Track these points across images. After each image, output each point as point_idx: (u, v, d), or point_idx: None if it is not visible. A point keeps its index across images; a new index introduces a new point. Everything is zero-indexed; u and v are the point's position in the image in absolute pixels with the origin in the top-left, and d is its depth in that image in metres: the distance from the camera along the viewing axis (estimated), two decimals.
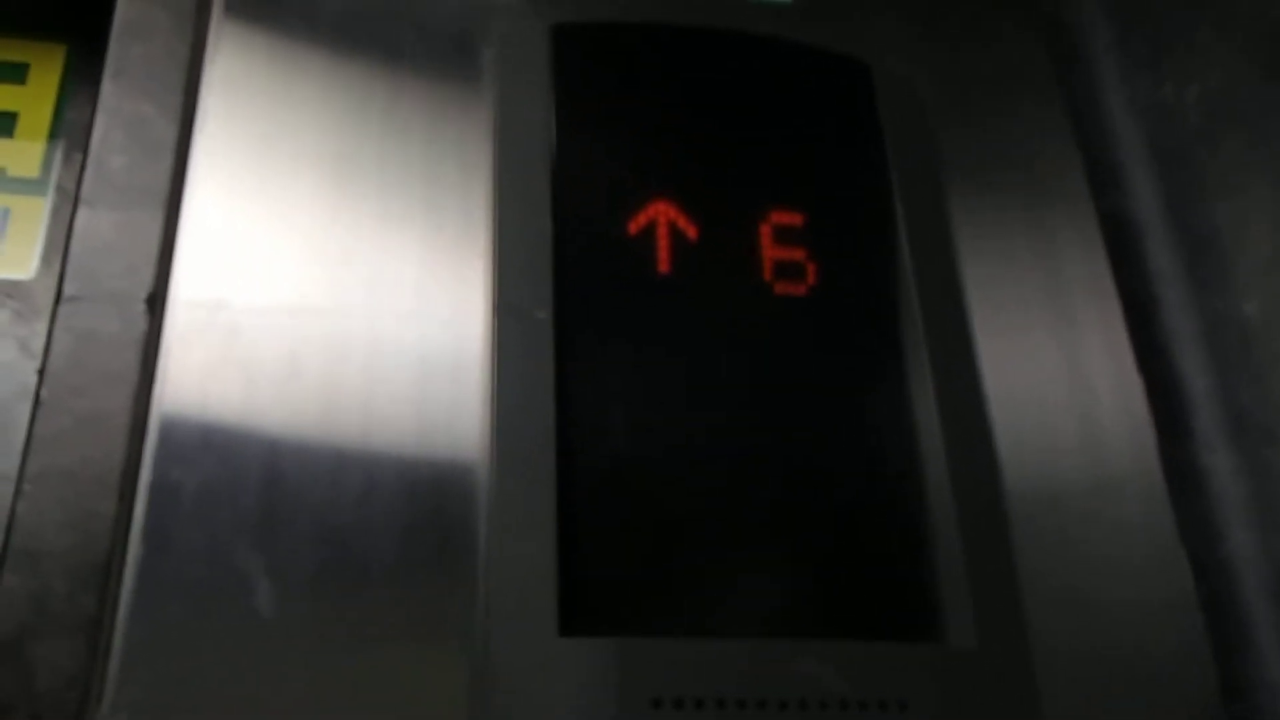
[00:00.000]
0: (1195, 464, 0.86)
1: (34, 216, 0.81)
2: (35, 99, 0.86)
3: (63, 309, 0.64)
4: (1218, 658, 0.77)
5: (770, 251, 0.81)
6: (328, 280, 0.72)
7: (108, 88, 0.71)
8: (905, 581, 0.74)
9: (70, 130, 0.85)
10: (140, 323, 0.66)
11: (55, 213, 0.81)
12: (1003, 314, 0.86)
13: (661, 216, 0.80)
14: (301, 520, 0.64)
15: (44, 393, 0.63)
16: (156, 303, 0.66)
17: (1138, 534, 0.80)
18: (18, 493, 0.61)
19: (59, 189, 0.81)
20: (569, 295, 0.74)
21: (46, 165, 0.84)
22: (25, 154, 0.83)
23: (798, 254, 0.82)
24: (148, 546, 0.61)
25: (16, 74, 0.87)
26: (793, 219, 0.83)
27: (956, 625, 0.72)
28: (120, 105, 0.71)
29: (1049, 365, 0.85)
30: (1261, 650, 0.79)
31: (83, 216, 0.68)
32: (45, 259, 0.78)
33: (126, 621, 0.59)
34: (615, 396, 0.73)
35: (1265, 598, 0.80)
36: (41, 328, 0.68)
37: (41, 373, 0.64)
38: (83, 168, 0.68)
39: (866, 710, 0.66)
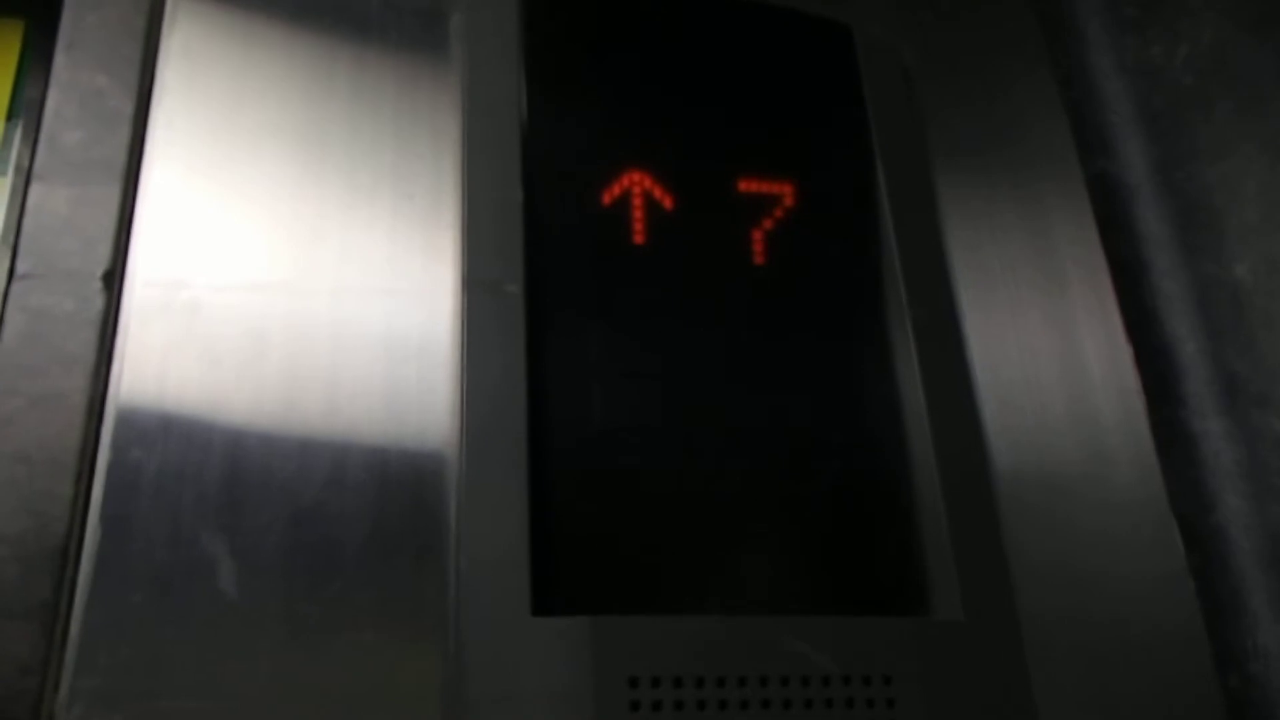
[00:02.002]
0: (1186, 430, 0.84)
1: None
2: None
3: (15, 287, 0.62)
4: (1210, 626, 0.75)
5: (749, 221, 0.79)
6: (293, 256, 0.70)
7: (60, 60, 0.68)
8: (890, 555, 0.72)
9: (29, 109, 0.82)
10: (97, 301, 0.64)
11: (14, 193, 0.78)
12: (989, 281, 0.84)
13: (636, 187, 0.78)
14: (268, 501, 0.63)
15: None
16: (114, 280, 0.64)
17: (1128, 502, 0.78)
18: None
19: (18, 169, 0.79)
20: (541, 268, 0.72)
21: (5, 144, 0.82)
22: None
23: (777, 223, 0.80)
24: (106, 530, 0.59)
25: None
26: (772, 188, 0.81)
27: (943, 598, 0.70)
28: (74, 78, 0.69)
29: (1037, 332, 0.83)
30: (1255, 617, 0.77)
31: (36, 192, 0.65)
32: (4, 239, 0.76)
33: (84, 607, 0.57)
34: (589, 371, 0.71)
35: (1258, 564, 0.78)
36: None
37: None
38: (35, 142, 0.66)
39: (850, 685, 0.64)
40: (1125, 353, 0.84)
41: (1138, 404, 0.82)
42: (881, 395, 0.77)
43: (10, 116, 0.83)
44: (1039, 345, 0.83)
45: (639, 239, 0.76)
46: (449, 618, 0.61)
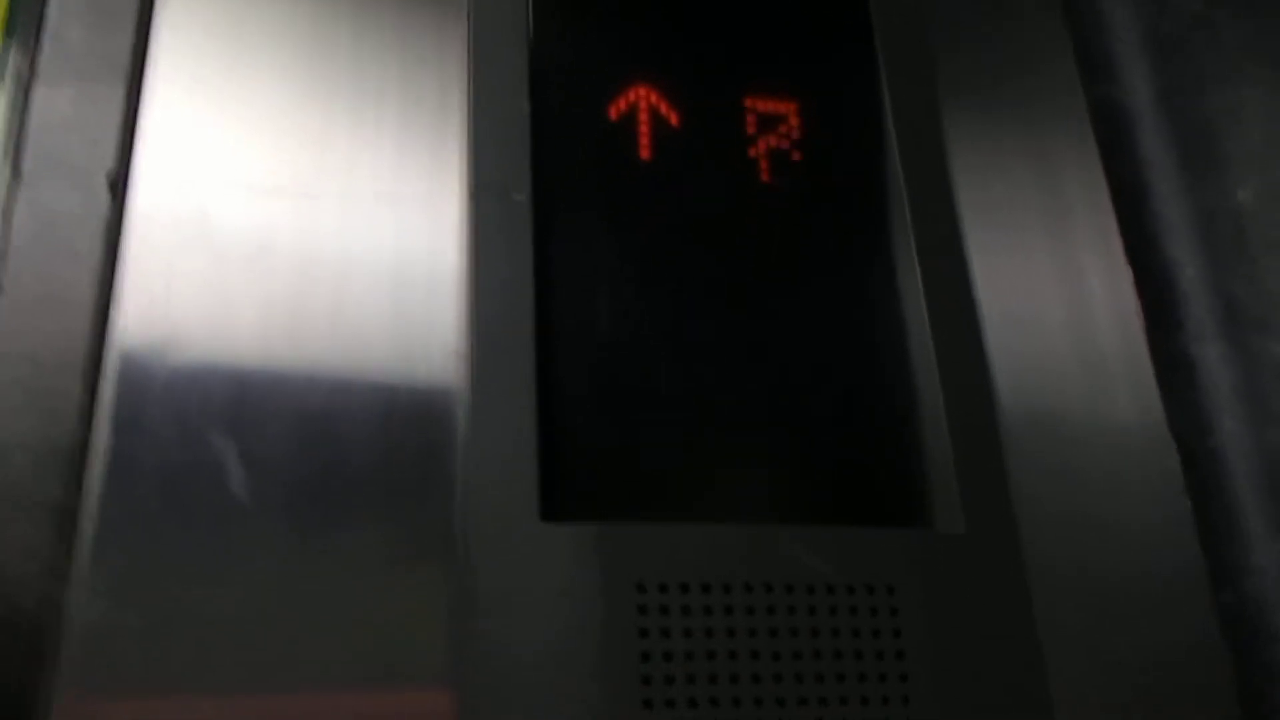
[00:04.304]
0: (1185, 354, 0.85)
1: None
2: None
3: (19, 185, 0.61)
4: (1206, 545, 0.76)
5: (755, 137, 0.79)
6: (300, 161, 0.69)
7: None
8: (893, 467, 0.73)
9: (27, 14, 0.81)
10: (102, 200, 0.63)
11: (14, 105, 0.77)
12: (992, 202, 0.84)
13: (642, 101, 0.77)
14: (275, 406, 0.63)
15: (3, 274, 0.60)
16: (119, 181, 0.64)
17: (1126, 423, 0.79)
18: None
19: (16, 79, 0.78)
20: (548, 179, 0.72)
21: (3, 52, 0.81)
22: None
23: (783, 140, 0.80)
24: (115, 429, 0.59)
25: None
26: (778, 106, 0.81)
27: (945, 512, 0.71)
28: None
29: (1039, 255, 0.83)
30: (1250, 536, 0.78)
31: (39, 92, 0.64)
32: (4, 150, 0.75)
33: (94, 503, 0.57)
34: (596, 280, 0.71)
35: (1253, 486, 0.79)
36: None
37: (1, 254, 0.61)
38: (37, 41, 0.65)
39: (854, 594, 0.65)
40: (1125, 277, 0.84)
41: (1137, 327, 0.82)
42: (886, 312, 0.77)
43: (9, 22, 0.81)
44: (1041, 268, 0.83)
45: (645, 154, 0.76)
46: (456, 523, 0.62)
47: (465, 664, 0.59)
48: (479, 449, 0.63)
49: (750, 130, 0.79)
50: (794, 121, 0.80)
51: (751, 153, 0.79)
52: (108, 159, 0.64)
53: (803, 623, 0.64)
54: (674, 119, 0.78)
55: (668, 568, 0.63)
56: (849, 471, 0.72)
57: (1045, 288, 0.82)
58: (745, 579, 0.64)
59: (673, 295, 0.73)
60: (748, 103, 0.80)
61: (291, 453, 0.62)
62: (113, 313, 0.62)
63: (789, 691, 0.62)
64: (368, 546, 0.61)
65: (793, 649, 0.63)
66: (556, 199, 0.72)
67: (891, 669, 0.64)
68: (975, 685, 0.66)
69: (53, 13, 0.66)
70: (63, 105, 0.64)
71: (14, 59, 0.79)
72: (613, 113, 0.77)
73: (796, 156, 0.80)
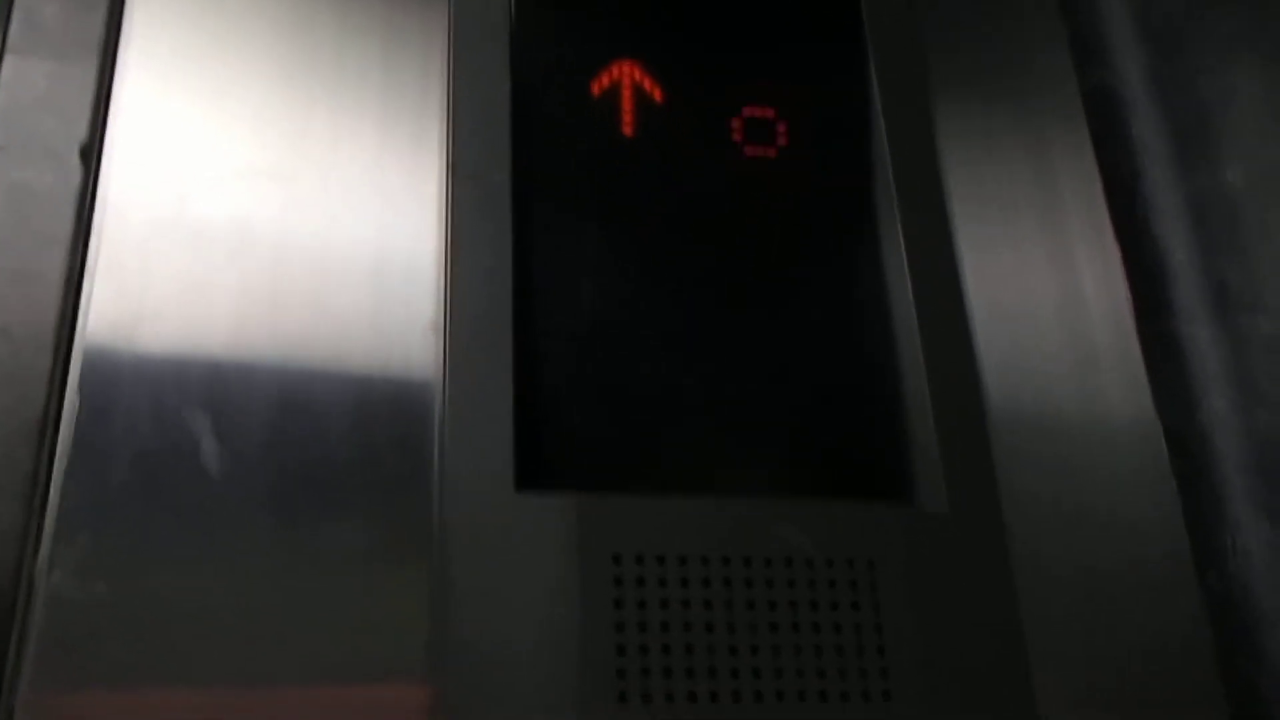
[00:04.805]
0: (1174, 335, 0.84)
1: None
2: None
3: None
4: (1191, 527, 0.76)
5: (741, 114, 0.79)
6: (280, 143, 0.68)
7: None
8: (876, 444, 0.72)
9: None
10: (75, 176, 0.62)
11: None
12: (982, 185, 0.83)
13: (625, 78, 0.77)
14: (252, 382, 0.62)
15: None
16: (91, 157, 0.63)
17: (1113, 405, 0.78)
18: None
19: None
20: (529, 157, 0.72)
21: None
22: None
23: (769, 117, 0.79)
24: (86, 405, 0.58)
25: None
26: (764, 83, 0.80)
27: (927, 488, 0.70)
28: None
29: (1029, 238, 0.83)
30: (1236, 518, 0.78)
31: (12, 67, 0.64)
32: None
33: (64, 477, 0.56)
34: (577, 256, 0.71)
35: (1239, 467, 0.79)
36: None
37: None
38: (9, 16, 0.65)
39: (833, 568, 0.65)
40: (1116, 264, 0.84)
41: (1128, 316, 0.82)
42: (872, 292, 0.76)
43: None
44: (1031, 251, 0.82)
45: (628, 131, 0.75)
46: (433, 494, 0.61)
47: (442, 643, 0.58)
48: (455, 420, 0.62)
49: (735, 107, 0.79)
50: (780, 101, 0.80)
51: (736, 130, 0.78)
52: (81, 136, 0.63)
53: (781, 596, 0.63)
54: (658, 95, 0.77)
55: (645, 539, 0.62)
56: (830, 447, 0.72)
57: (1035, 275, 0.81)
58: (723, 552, 0.63)
59: (654, 272, 0.73)
60: (733, 79, 0.80)
61: (267, 440, 0.61)
62: (85, 291, 0.61)
63: (765, 664, 0.62)
64: (345, 536, 0.60)
65: (770, 622, 0.63)
66: (538, 177, 0.72)
67: (870, 643, 0.64)
68: (954, 662, 0.65)
69: None
70: (36, 81, 0.64)
71: None
72: (595, 89, 0.76)
73: (782, 135, 0.79)
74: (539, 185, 0.71)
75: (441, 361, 0.64)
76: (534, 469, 0.62)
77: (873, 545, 0.66)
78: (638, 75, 0.77)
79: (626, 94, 0.76)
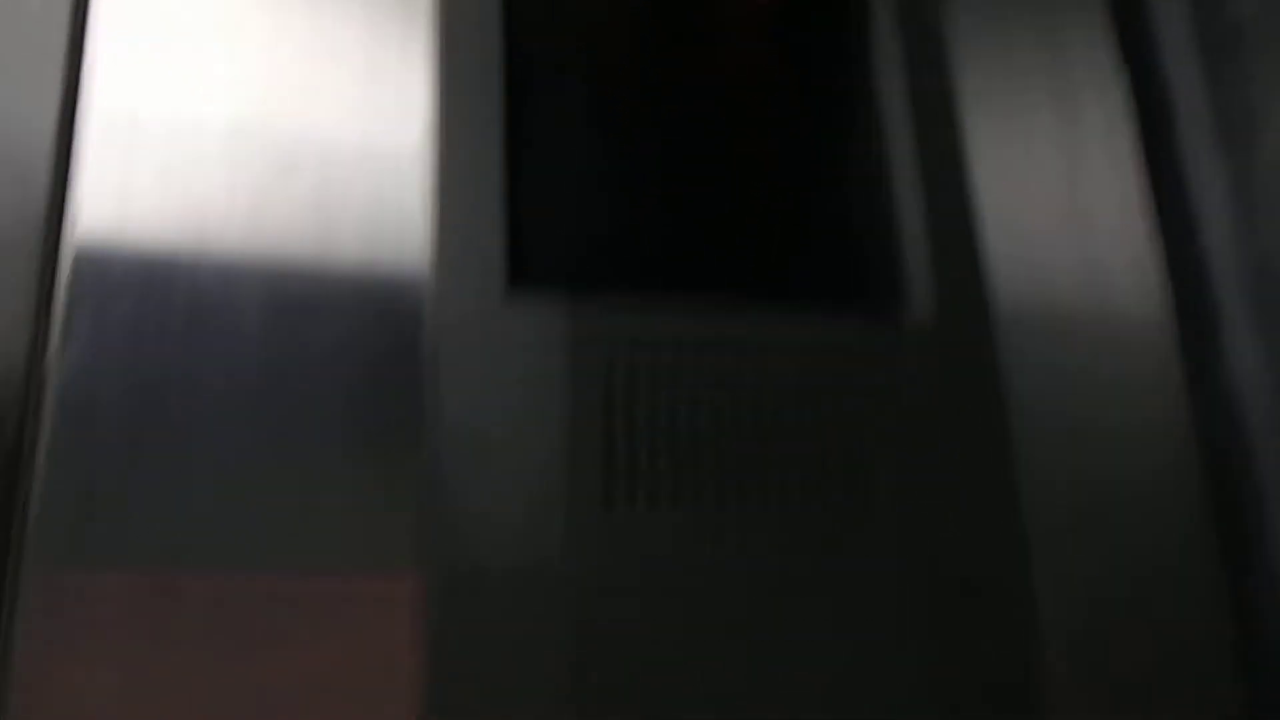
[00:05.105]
0: (1177, 159, 0.82)
1: None
2: None
3: None
4: (1183, 342, 0.77)
5: None
6: (264, 53, 0.68)
7: None
8: (866, 254, 0.72)
9: None
10: (57, 88, 0.63)
11: None
12: (998, 90, 0.81)
13: None
14: (243, 292, 0.62)
15: None
16: (75, 67, 0.63)
17: (1124, 309, 0.77)
18: None
19: None
20: None
21: None
22: None
23: None
24: (69, 367, 0.58)
25: None
26: None
27: (917, 298, 0.71)
28: None
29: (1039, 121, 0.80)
30: (1239, 358, 0.76)
31: None
32: None
33: (49, 443, 0.57)
34: (566, 63, 0.70)
35: (1238, 287, 0.77)
36: None
37: None
38: None
39: (825, 368, 0.65)
40: (1130, 151, 0.82)
41: (1140, 213, 0.80)
42: (868, 126, 0.75)
43: None
44: (1042, 137, 0.80)
45: None
46: (426, 297, 0.61)
47: (435, 458, 0.59)
48: (447, 216, 0.62)
49: None
50: None
51: None
52: (62, 45, 0.63)
53: (770, 391, 0.64)
54: None
55: (635, 331, 0.63)
56: (822, 255, 0.72)
57: (1044, 152, 0.79)
58: (716, 344, 0.64)
59: (652, 94, 0.72)
60: None
61: (260, 338, 0.61)
62: (70, 196, 0.62)
63: (751, 466, 0.62)
64: (337, 433, 0.61)
65: (756, 423, 0.63)
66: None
67: (855, 444, 0.64)
68: (939, 469, 0.66)
69: None
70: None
71: None
72: None
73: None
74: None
75: (432, 152, 0.64)
76: (525, 263, 0.62)
77: (864, 350, 0.67)
78: None
79: None
